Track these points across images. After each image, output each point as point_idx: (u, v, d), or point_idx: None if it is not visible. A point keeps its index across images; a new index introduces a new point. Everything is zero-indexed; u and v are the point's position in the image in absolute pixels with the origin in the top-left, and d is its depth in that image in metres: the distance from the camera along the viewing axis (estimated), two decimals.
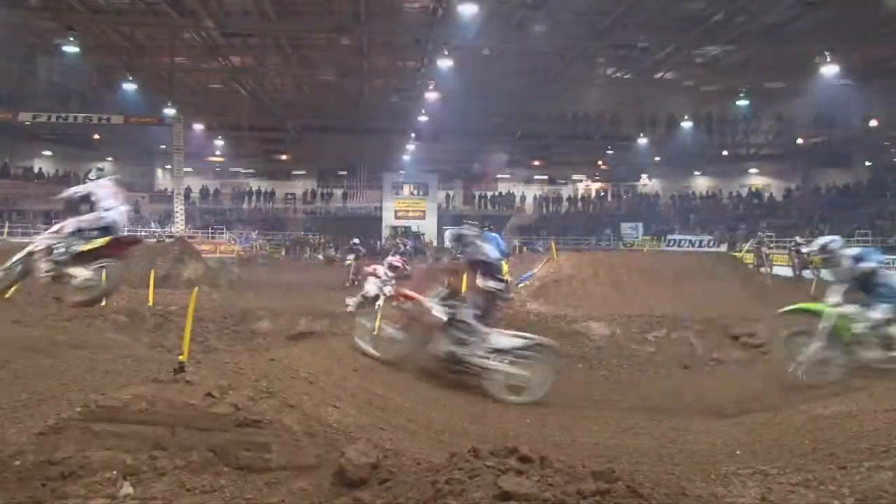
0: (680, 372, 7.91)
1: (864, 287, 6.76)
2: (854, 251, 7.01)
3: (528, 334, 6.73)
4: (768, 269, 20.54)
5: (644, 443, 4.90)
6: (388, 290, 9.94)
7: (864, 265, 6.78)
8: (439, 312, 6.32)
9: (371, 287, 10.59)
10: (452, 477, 2.74)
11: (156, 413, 3.60)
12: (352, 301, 10.89)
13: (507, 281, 13.98)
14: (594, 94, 32.00)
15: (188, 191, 38.26)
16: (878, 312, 6.52)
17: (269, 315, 8.83)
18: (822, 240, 7.46)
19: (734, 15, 21.01)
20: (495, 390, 6.28)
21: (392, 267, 10.81)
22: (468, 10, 18.58)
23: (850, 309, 6.62)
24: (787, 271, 22.51)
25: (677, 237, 37.09)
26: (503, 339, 6.44)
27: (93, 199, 5.87)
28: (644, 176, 44.56)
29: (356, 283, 17.03)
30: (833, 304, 6.68)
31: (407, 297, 6.83)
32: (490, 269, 6.51)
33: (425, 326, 6.41)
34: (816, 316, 6.66)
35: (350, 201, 43.67)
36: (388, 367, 6.43)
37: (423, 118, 33.16)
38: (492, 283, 6.39)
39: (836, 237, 7.47)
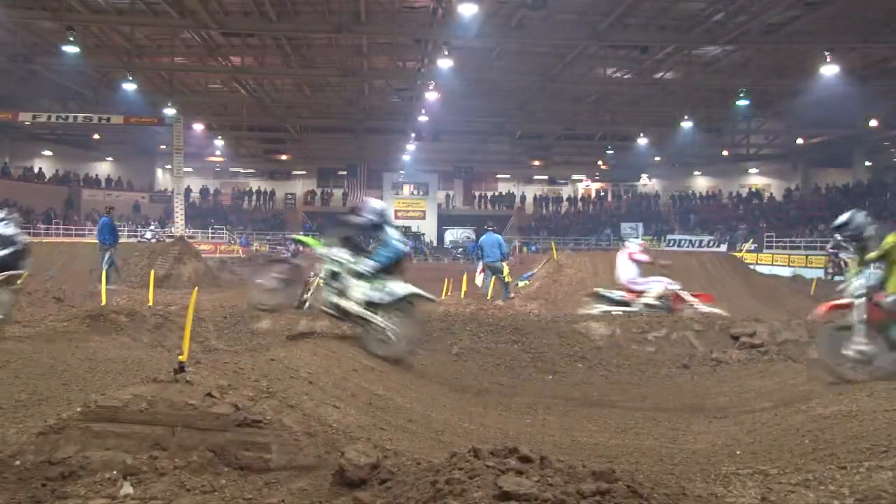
0: (680, 372, 7.90)
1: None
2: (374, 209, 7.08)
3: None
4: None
5: (644, 443, 4.89)
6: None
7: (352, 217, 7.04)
8: None
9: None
10: (452, 477, 2.74)
11: (156, 413, 3.60)
12: None
13: (508, 283, 14.14)
14: (594, 94, 31.99)
15: (188, 191, 38.27)
16: (360, 265, 6.80)
17: (269, 315, 8.80)
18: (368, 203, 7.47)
19: (734, 15, 20.98)
20: None
21: None
22: (468, 10, 18.57)
23: (333, 253, 6.90)
24: (785, 271, 22.10)
25: (677, 237, 37.13)
26: None
27: None
28: (644, 176, 44.58)
29: None
30: (323, 245, 7.08)
31: None
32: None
33: None
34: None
35: (350, 201, 43.70)
36: (389, 366, 6.43)
37: (423, 118, 33.12)
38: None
39: (376, 202, 7.49)
